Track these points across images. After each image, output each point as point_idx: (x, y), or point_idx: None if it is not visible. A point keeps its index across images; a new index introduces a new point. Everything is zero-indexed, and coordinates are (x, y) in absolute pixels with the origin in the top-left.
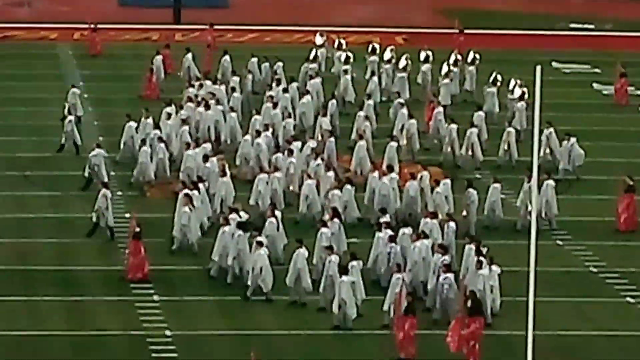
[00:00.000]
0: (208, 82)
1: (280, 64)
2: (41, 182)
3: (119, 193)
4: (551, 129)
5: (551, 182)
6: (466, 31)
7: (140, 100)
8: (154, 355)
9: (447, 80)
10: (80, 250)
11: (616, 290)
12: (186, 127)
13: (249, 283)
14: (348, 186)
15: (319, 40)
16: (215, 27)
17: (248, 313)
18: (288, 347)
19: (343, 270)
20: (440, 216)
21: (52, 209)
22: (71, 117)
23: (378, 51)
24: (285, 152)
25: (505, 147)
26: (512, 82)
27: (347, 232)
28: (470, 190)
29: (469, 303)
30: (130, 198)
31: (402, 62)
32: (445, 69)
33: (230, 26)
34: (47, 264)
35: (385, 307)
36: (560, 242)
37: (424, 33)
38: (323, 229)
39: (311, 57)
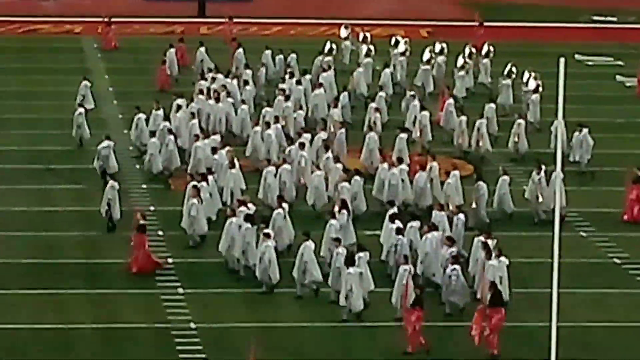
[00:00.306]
0: (220, 75)
1: (293, 56)
2: (66, 175)
3: (143, 186)
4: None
5: (559, 173)
6: (489, 24)
7: (161, 93)
8: (178, 347)
9: (462, 73)
10: (105, 243)
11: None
12: (195, 120)
13: (257, 275)
14: (357, 178)
15: (343, 33)
16: (240, 20)
17: (272, 305)
18: (311, 339)
19: (349, 262)
20: (450, 208)
21: (76, 202)
22: (81, 110)
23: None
24: (297, 144)
25: (515, 139)
26: (527, 75)
27: (355, 224)
28: (480, 182)
29: (490, 294)
30: (154, 191)
31: (426, 55)
32: (460, 61)
33: (254, 19)
34: (73, 257)
35: (393, 300)
36: (584, 234)
37: (448, 26)
38: (332, 221)
39: (326, 49)
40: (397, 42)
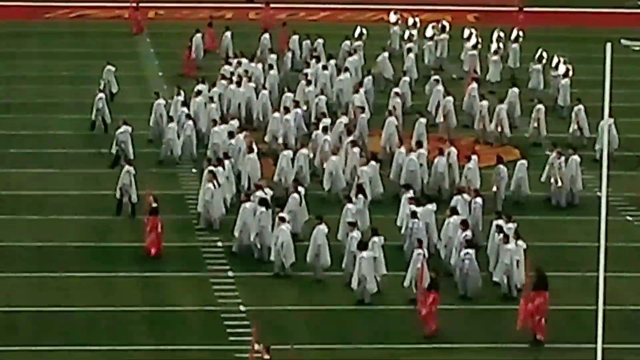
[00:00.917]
0: (245, 60)
1: (320, 41)
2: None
3: (194, 170)
4: (580, 106)
5: (577, 158)
6: (534, 9)
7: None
8: (228, 330)
9: (496, 57)
10: None
11: None
12: (213, 105)
13: (273, 259)
14: (373, 162)
15: (392, 18)
16: (288, 5)
17: (322, 288)
18: (359, 323)
19: (363, 246)
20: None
21: None
22: (102, 95)
23: (448, 29)
24: (321, 129)
25: (535, 125)
26: (556, 59)
27: (370, 209)
28: (501, 166)
29: (534, 278)
30: (196, 175)
31: (473, 40)
32: (494, 46)
33: (303, 5)
34: (123, 240)
35: (406, 283)
36: (629, 218)
37: (495, 11)
38: (349, 205)
39: (356, 34)
40: (443, 27)
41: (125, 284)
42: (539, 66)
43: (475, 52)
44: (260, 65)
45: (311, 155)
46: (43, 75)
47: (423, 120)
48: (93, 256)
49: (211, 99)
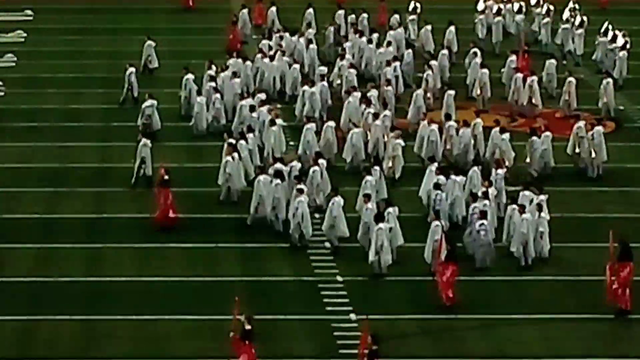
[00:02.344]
0: (287, 34)
1: (365, 15)
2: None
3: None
4: (609, 79)
5: (600, 129)
6: None
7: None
8: (325, 300)
9: (580, 31)
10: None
11: None
12: (237, 79)
13: (291, 231)
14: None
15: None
16: None
17: (417, 259)
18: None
19: (380, 217)
20: (507, 163)
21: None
22: (132, 69)
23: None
24: (347, 102)
25: (566, 97)
26: (614, 31)
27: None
28: (534, 138)
29: (619, 249)
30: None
31: (566, 14)
32: (566, 13)
33: None
34: (225, 212)
35: (426, 255)
36: None
37: None
38: (367, 177)
39: (410, 8)
40: (538, 2)
41: (226, 254)
42: (605, 39)
43: (568, 25)
44: (303, 40)
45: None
46: (78, 50)
47: (451, 92)
48: (195, 227)
49: (234, 73)
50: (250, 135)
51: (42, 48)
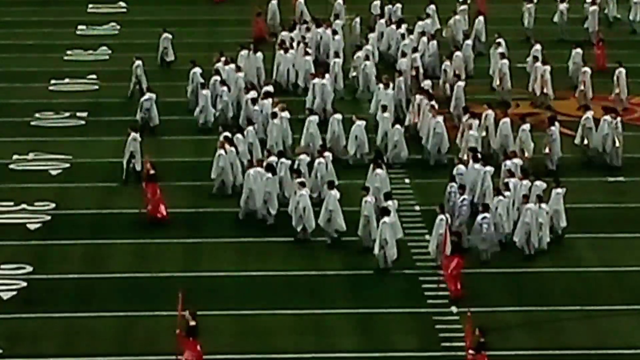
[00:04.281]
0: (313, 26)
1: (399, 6)
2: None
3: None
4: (621, 69)
5: (608, 119)
6: None
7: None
8: (426, 294)
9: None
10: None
11: None
12: (241, 73)
13: (294, 224)
14: (397, 126)
15: None
16: None
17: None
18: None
19: (385, 211)
20: (527, 154)
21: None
22: (139, 62)
23: None
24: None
25: (582, 87)
26: None
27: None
28: (552, 127)
29: None
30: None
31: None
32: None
33: None
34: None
35: (430, 249)
36: None
37: None
38: (378, 170)
39: None
40: None
41: (320, 248)
42: None
43: (596, 7)
44: (329, 31)
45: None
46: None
47: (461, 83)
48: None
49: (238, 67)
50: (250, 128)
51: (135, 40)
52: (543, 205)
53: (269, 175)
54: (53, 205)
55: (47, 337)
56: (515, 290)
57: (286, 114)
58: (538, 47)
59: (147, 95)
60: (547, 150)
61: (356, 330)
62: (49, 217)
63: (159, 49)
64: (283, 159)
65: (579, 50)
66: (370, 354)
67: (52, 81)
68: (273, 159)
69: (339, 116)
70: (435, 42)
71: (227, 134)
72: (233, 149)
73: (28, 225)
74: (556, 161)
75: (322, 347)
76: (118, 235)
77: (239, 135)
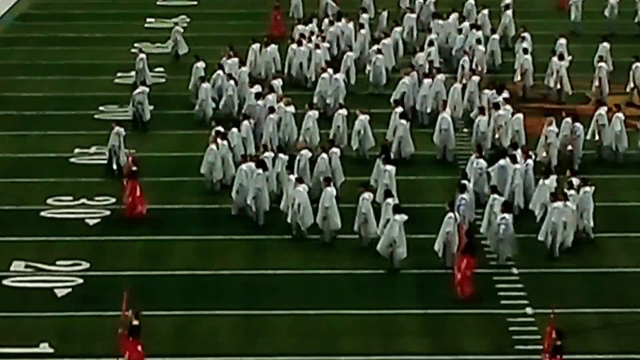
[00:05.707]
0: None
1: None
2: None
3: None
4: (638, 64)
5: (621, 116)
6: None
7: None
8: (500, 294)
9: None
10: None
11: None
12: (245, 67)
13: (289, 221)
14: (402, 121)
15: None
16: None
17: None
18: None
19: (397, 209)
20: (545, 153)
21: None
22: (142, 56)
23: None
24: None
25: (597, 84)
26: None
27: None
28: (577, 124)
29: None
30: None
31: None
32: None
33: None
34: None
35: (436, 247)
36: None
37: None
38: (387, 167)
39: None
40: None
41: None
42: None
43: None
44: (351, 25)
45: None
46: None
47: (476, 78)
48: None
49: (241, 61)
50: (245, 122)
51: (205, 33)
52: (568, 203)
53: (259, 171)
54: (113, 200)
55: (101, 337)
56: (592, 291)
57: (291, 109)
58: (562, 41)
59: (140, 89)
60: (569, 148)
61: (425, 332)
62: (108, 212)
63: (171, 42)
64: (281, 155)
65: (605, 44)
66: (440, 357)
67: (118, 74)
68: (268, 154)
69: (343, 112)
70: (462, 36)
71: (220, 128)
72: (225, 142)
73: (87, 221)
74: (578, 160)
75: (391, 350)
76: (178, 231)
77: (234, 130)
